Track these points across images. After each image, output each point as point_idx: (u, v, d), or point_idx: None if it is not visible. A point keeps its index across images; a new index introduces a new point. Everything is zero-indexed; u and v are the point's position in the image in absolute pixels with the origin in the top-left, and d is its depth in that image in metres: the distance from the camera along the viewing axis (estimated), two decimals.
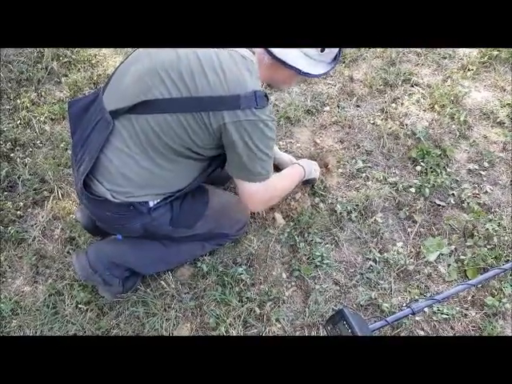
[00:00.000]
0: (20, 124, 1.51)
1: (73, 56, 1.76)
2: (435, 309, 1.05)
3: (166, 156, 0.85)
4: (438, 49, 1.79)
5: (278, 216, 1.26)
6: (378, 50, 1.78)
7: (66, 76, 1.69)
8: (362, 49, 1.79)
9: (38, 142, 1.47)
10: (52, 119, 1.54)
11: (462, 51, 1.77)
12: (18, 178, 1.34)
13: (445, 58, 1.76)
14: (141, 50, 0.87)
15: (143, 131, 0.82)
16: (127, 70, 0.86)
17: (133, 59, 0.87)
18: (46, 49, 1.76)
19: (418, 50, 1.79)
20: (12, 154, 1.42)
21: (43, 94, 1.63)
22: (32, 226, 1.25)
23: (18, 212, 1.27)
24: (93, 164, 0.86)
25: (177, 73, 0.79)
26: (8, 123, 1.51)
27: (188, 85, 0.79)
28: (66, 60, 1.75)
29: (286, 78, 0.92)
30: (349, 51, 1.78)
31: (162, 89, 0.80)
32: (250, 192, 0.92)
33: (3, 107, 1.56)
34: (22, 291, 1.13)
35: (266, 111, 0.83)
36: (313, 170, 1.21)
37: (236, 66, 0.81)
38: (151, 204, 0.91)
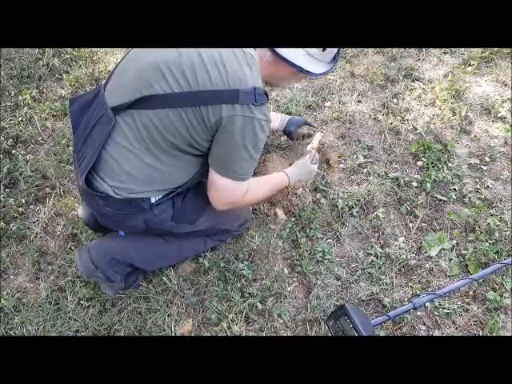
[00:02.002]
0: (21, 121, 1.51)
1: (74, 52, 1.76)
2: (437, 303, 1.05)
3: (168, 152, 0.85)
4: None
5: (280, 211, 1.26)
6: None
7: (67, 72, 1.69)
8: None
9: (40, 138, 1.48)
10: (53, 116, 1.54)
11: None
12: (20, 174, 1.35)
13: (446, 53, 1.75)
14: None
15: (145, 127, 0.82)
16: (128, 65, 0.86)
17: (134, 55, 0.87)
18: None
19: None
20: (14, 151, 1.42)
21: (44, 90, 1.63)
22: (34, 222, 1.26)
23: (20, 209, 1.28)
24: (95, 160, 0.86)
25: (178, 68, 0.79)
26: (10, 120, 1.51)
27: (189, 79, 0.79)
28: (67, 56, 1.74)
29: (287, 75, 0.92)
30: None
31: (163, 84, 0.79)
32: (217, 185, 0.89)
33: (5, 104, 1.56)
34: (25, 288, 1.13)
35: (263, 109, 0.82)
36: (304, 178, 1.16)
37: (237, 61, 0.81)
38: (153, 200, 0.91)
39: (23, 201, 1.29)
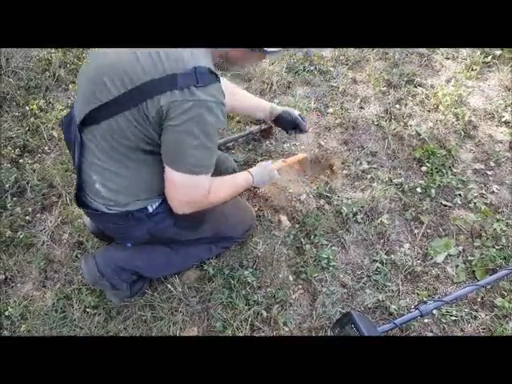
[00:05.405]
0: (29, 130, 1.54)
1: (79, 63, 1.79)
2: (444, 311, 1.04)
3: (133, 157, 0.81)
4: (441, 49, 1.79)
5: (284, 218, 1.26)
6: (381, 51, 1.79)
7: (74, 83, 1.72)
8: (365, 51, 1.80)
9: (46, 147, 1.50)
10: (60, 125, 1.57)
11: (465, 52, 1.77)
12: (27, 183, 1.36)
13: (448, 58, 1.76)
14: (89, 58, 0.85)
15: (104, 139, 0.80)
16: (80, 81, 0.85)
17: (83, 70, 0.86)
18: (53, 56, 1.79)
19: (421, 51, 1.79)
20: (21, 160, 1.44)
21: (51, 100, 1.65)
22: (41, 230, 1.27)
23: (27, 217, 1.29)
24: (79, 182, 0.86)
25: (116, 72, 0.75)
26: (17, 130, 1.54)
27: (125, 79, 0.74)
28: (72, 67, 1.78)
29: (241, 54, 0.86)
30: (351, 53, 1.79)
31: (106, 92, 0.76)
32: (173, 183, 0.80)
33: (12, 114, 1.59)
34: (31, 296, 1.14)
35: (210, 90, 0.73)
36: (266, 180, 1.06)
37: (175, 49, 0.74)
38: (150, 209, 0.90)
39: (30, 209, 1.31)
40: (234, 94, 1.18)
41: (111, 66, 0.77)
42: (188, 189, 0.81)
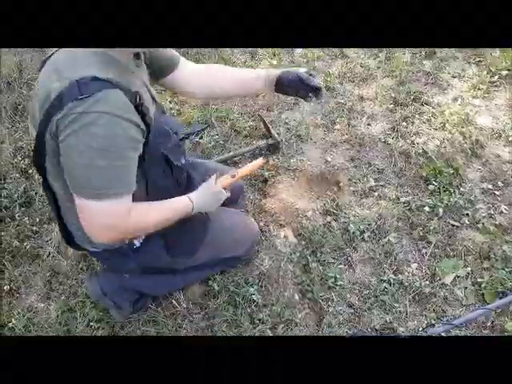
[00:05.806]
0: None
1: None
2: (453, 334, 1.02)
3: None
4: (448, 68, 1.81)
5: (290, 234, 1.26)
6: (388, 69, 1.81)
7: None
8: (372, 68, 1.82)
9: None
10: None
11: (471, 71, 1.79)
12: (36, 193, 1.37)
13: (454, 77, 1.77)
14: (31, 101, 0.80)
15: (55, 181, 0.76)
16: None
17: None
18: None
19: (428, 69, 1.81)
20: (30, 171, 1.45)
21: None
22: (47, 241, 1.27)
23: (34, 228, 1.30)
24: (61, 229, 0.86)
25: (33, 111, 0.72)
26: (27, 139, 1.56)
27: (33, 121, 0.71)
28: None
29: None
30: (358, 70, 1.81)
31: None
32: (83, 211, 0.69)
33: (23, 124, 1.62)
34: (35, 307, 1.13)
35: (94, 100, 0.63)
36: (211, 203, 0.90)
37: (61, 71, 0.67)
38: (137, 243, 0.87)
39: (37, 220, 1.32)
40: (219, 78, 0.94)
41: (32, 106, 0.73)
42: (93, 216, 0.69)
